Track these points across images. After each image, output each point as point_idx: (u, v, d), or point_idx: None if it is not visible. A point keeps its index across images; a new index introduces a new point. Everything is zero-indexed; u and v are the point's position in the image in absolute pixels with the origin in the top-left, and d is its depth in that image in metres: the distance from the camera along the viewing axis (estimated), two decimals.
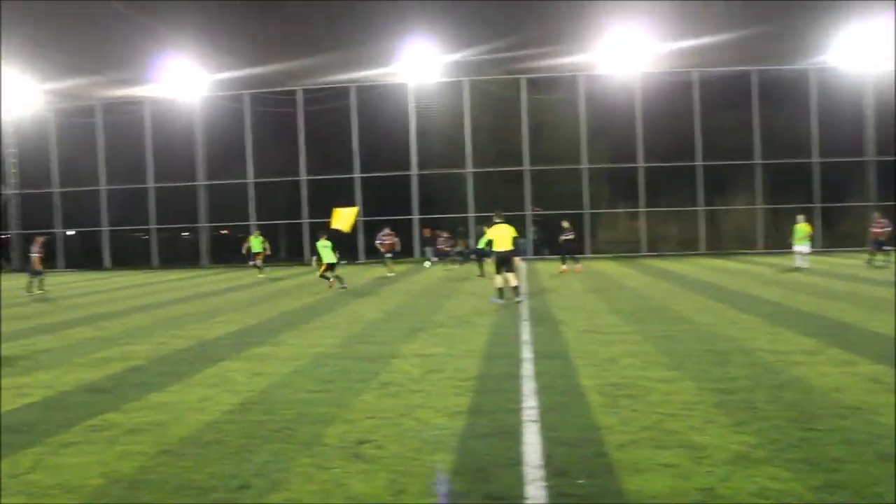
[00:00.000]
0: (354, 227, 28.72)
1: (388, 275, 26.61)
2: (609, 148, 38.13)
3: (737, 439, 5.89)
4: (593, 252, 37.74)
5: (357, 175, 38.81)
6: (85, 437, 6.61)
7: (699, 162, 37.33)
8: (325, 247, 21.85)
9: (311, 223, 38.74)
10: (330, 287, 21.69)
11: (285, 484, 5.18)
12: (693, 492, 4.82)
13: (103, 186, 41.69)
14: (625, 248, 38.03)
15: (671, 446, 5.76)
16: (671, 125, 36.85)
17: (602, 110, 37.25)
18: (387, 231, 28.41)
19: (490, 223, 17.03)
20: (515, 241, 16.81)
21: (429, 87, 37.94)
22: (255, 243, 29.93)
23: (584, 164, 37.65)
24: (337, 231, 26.66)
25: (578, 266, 26.60)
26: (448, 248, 30.08)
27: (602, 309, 15.16)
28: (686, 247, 37.63)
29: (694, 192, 37.69)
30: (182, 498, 4.97)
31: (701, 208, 37.75)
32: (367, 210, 37.64)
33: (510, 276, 16.37)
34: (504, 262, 16.40)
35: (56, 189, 42.36)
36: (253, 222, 39.33)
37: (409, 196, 38.60)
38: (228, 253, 38.72)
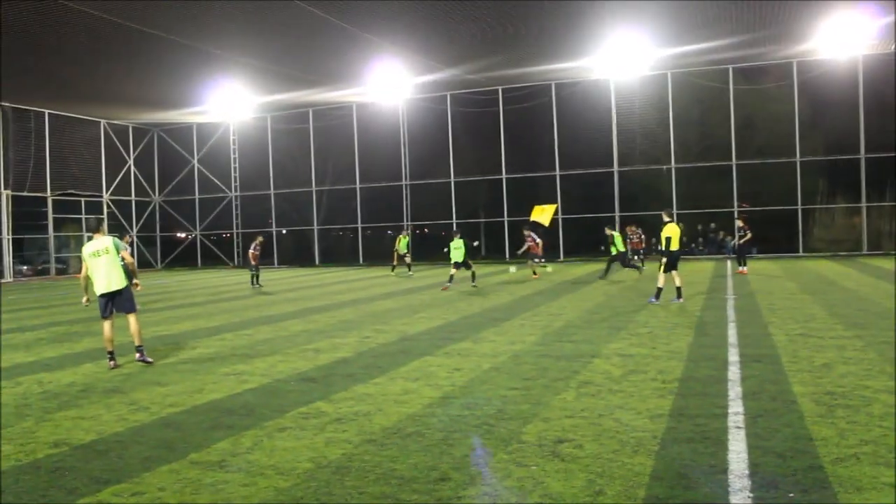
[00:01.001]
0: (552, 224, 28.73)
1: (533, 276, 25.80)
2: (826, 138, 35.47)
3: None
4: (806, 251, 35.42)
5: (557, 173, 38.66)
6: (297, 422, 7.02)
7: None
8: (457, 248, 22.89)
9: (510, 221, 39.14)
10: (445, 289, 22.26)
11: (483, 479, 5.25)
12: None
13: (314, 188, 44.18)
14: (843, 247, 35.40)
15: None
16: None
17: (819, 98, 34.70)
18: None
19: (662, 223, 17.11)
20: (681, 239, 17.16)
21: (630, 82, 37.13)
22: (403, 244, 30.89)
23: (798, 157, 35.41)
24: (539, 226, 26.93)
25: (743, 269, 25.02)
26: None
27: (816, 311, 14.22)
28: None
29: None
30: (384, 486, 5.16)
31: None
32: (567, 208, 37.42)
33: (676, 275, 16.60)
34: (675, 262, 16.63)
35: (272, 191, 45.43)
36: (455, 220, 40.23)
37: (612, 193, 37.94)
38: (428, 250, 39.81)
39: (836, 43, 31.65)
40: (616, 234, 24.59)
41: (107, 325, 10.60)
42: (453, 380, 8.72)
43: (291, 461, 5.84)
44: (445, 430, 6.53)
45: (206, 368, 10.14)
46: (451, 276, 22.73)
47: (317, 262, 44.10)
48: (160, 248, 48.98)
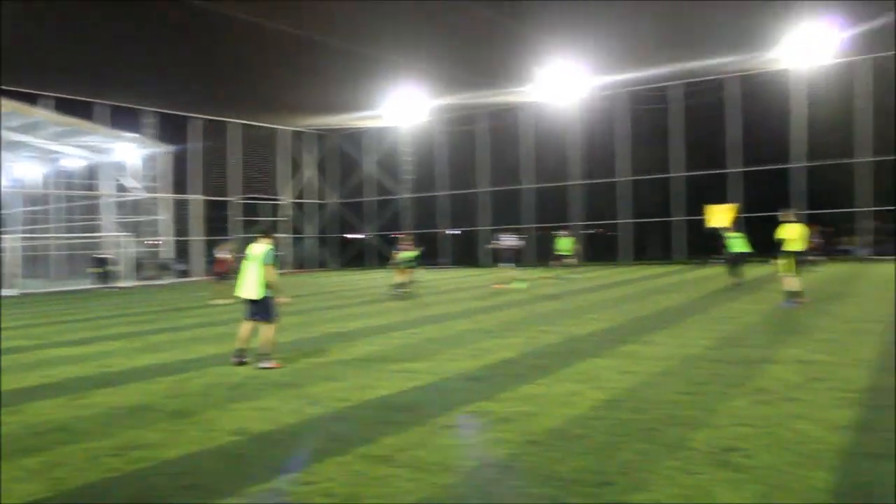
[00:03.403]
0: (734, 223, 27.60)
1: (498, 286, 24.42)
2: None
3: None
4: None
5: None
6: (463, 421, 7.09)
7: None
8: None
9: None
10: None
11: (648, 485, 5.11)
12: None
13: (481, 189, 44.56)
14: None
15: None
16: None
17: None
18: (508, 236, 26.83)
19: (785, 221, 16.08)
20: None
21: (815, 72, 34.66)
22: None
23: None
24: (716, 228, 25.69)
25: None
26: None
27: None
28: None
29: None
30: (546, 487, 5.12)
31: None
32: (749, 207, 35.39)
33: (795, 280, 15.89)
34: (801, 264, 16.02)
35: (442, 192, 46.25)
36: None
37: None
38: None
39: None
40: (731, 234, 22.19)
41: (244, 326, 10.84)
42: (621, 382, 8.52)
43: (456, 458, 5.91)
44: (611, 434, 6.40)
45: (375, 366, 10.43)
46: None
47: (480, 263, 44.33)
48: (338, 249, 51.22)
